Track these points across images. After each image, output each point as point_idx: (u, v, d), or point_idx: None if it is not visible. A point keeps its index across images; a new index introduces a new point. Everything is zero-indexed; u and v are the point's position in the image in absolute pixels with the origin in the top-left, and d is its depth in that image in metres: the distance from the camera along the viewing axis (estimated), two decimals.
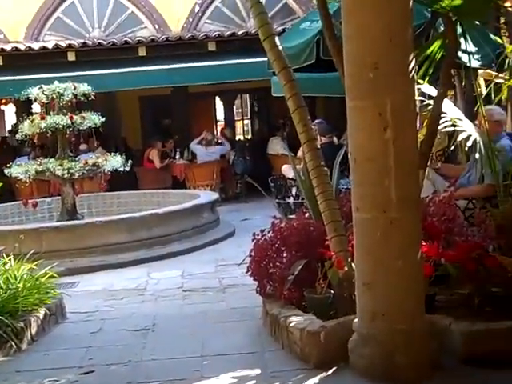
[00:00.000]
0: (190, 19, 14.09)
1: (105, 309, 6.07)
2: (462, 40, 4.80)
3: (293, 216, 5.44)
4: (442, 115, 4.69)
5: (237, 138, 16.44)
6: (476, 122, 5.56)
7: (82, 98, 9.17)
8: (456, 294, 4.50)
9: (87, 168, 9.13)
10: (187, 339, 4.87)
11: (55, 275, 5.71)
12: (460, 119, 4.97)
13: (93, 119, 9.18)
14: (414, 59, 3.65)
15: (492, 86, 5.34)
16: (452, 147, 5.41)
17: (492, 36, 6.78)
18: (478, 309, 4.20)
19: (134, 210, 9.99)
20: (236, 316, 5.37)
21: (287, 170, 8.54)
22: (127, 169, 9.39)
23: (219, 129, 16.90)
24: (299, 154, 7.58)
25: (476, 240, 4.75)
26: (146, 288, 6.81)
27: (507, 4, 5.16)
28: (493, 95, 5.38)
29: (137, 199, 11.12)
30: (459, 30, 4.68)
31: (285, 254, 4.91)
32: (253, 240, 4.96)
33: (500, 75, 5.21)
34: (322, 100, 13.55)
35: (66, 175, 8.98)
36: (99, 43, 12.50)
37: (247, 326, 5.09)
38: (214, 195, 10.51)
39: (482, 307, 4.21)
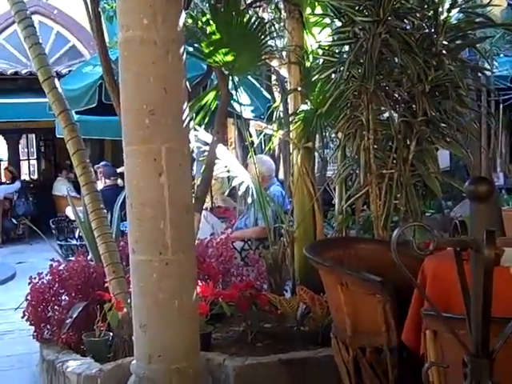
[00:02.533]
0: None
1: None
2: (234, 92, 5.14)
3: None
4: (217, 161, 4.96)
5: (22, 179, 15.84)
6: (248, 169, 5.93)
7: None
8: (232, 332, 4.74)
9: None
10: None
11: None
12: (234, 165, 5.28)
13: None
14: (190, 108, 3.84)
15: (263, 136, 5.75)
16: (227, 192, 5.71)
17: (263, 91, 7.34)
18: (251, 345, 4.45)
19: None
20: (11, 364, 5.17)
21: (70, 212, 8.42)
22: None
23: (2, 167, 16.16)
24: None
25: (250, 279, 5.05)
26: None
27: (274, 63, 5.61)
28: (263, 144, 5.80)
29: None
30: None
31: (64, 297, 4.85)
32: (29, 283, 4.83)
33: (269, 127, 5.63)
34: (110, 142, 13.55)
35: None
36: None
37: (23, 374, 4.93)
38: None
39: (254, 343, 4.46)
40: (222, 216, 7.02)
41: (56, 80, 4.84)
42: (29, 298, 4.77)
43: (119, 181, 9.61)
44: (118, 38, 3.66)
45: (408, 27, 4.14)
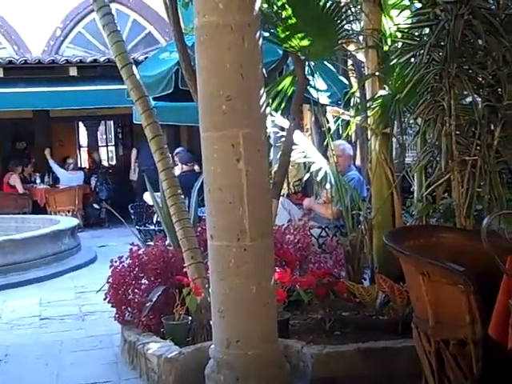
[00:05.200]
0: (51, 42, 13.83)
1: None
2: (311, 78, 5.08)
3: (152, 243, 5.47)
4: (295, 147, 4.92)
5: (103, 164, 16.23)
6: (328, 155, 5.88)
7: None
8: (309, 319, 4.71)
9: None
10: (41, 369, 4.75)
11: None
12: (311, 151, 5.23)
13: None
14: (266, 93, 3.81)
15: (340, 121, 5.67)
16: (305, 178, 5.65)
17: (340, 76, 7.23)
18: (329, 332, 4.41)
19: None
20: (94, 344, 5.31)
21: (148, 197, 8.56)
22: None
23: (84, 152, 16.59)
24: None
25: (328, 267, 5.01)
26: (0, 316, 6.55)
27: (351, 47, 5.51)
28: (341, 130, 5.72)
29: None
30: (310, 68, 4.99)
31: (143, 281, 4.94)
32: (111, 266, 4.94)
33: (346, 112, 5.54)
34: (186, 128, 13.69)
35: None
36: None
37: (105, 354, 5.05)
38: (75, 221, 10.31)
39: (332, 331, 4.43)
40: (298, 202, 6.99)
41: (134, 66, 4.90)
42: (110, 280, 4.88)
43: (196, 166, 9.72)
44: (194, 24, 3.67)
45: (493, 7, 3.98)
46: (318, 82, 5.46)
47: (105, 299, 4.95)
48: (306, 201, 6.53)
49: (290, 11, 4.60)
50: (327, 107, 6.62)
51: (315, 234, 5.85)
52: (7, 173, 13.17)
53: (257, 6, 3.60)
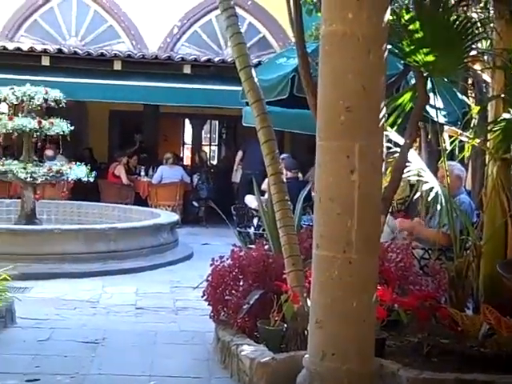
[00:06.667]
0: (168, 40, 14.20)
1: (55, 317, 6.01)
2: (431, 95, 4.95)
3: (252, 246, 5.49)
4: (407, 164, 4.81)
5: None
6: (438, 175, 5.71)
7: (53, 104, 9.17)
8: (406, 341, 4.59)
9: (51, 174, 9.09)
10: (136, 357, 4.87)
11: (8, 278, 5.53)
12: (424, 170, 5.10)
13: (61, 126, 9.15)
14: (385, 107, 3.74)
15: (456, 143, 5.49)
16: (415, 197, 5.51)
17: (459, 95, 7.01)
18: (426, 358, 4.28)
19: (94, 222, 9.94)
20: (186, 339, 5.38)
21: (250, 200, 8.60)
22: (91, 180, 9.39)
23: (187, 150, 16.84)
24: (263, 186, 7.65)
25: (429, 290, 4.86)
26: (99, 301, 6.77)
27: (477, 66, 5.33)
28: (457, 152, 5.55)
29: (98, 211, 11.05)
30: (429, 85, 4.86)
31: (242, 283, 4.96)
32: (211, 265, 4.99)
33: (464, 134, 5.37)
34: (290, 135, 13.71)
35: (28, 179, 8.94)
36: (75, 52, 12.38)
37: (197, 349, 5.11)
38: (175, 216, 10.50)
39: (429, 356, 4.29)
40: None
41: (253, 69, 4.92)
42: (209, 279, 4.93)
43: (299, 174, 9.70)
44: (321, 32, 3.65)
45: None
46: (437, 100, 5.32)
47: (202, 296, 5.01)
48: (414, 221, 6.28)
49: (417, 24, 4.49)
50: (445, 126, 6.43)
51: (417, 254, 5.70)
52: (114, 163, 13.56)
53: (386, 17, 3.55)
